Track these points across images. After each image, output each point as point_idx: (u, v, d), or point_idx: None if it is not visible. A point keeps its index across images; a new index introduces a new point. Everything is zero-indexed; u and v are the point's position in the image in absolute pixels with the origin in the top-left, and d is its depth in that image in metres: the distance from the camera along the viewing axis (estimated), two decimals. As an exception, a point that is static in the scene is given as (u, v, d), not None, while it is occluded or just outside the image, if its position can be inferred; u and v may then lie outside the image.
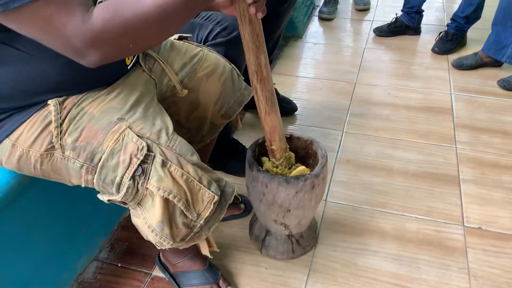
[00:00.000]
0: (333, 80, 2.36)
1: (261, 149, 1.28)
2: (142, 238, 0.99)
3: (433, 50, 2.60)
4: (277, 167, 1.20)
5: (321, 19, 3.10)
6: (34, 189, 1.08)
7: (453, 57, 2.52)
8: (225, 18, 1.36)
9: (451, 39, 2.56)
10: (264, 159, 1.27)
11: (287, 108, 2.04)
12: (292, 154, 1.25)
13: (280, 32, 1.85)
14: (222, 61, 1.26)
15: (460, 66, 2.40)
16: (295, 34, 2.82)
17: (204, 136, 1.31)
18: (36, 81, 0.87)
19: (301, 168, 1.18)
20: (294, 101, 2.08)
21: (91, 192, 1.03)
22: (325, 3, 3.13)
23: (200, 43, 1.42)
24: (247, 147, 1.73)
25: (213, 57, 1.24)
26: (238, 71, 1.30)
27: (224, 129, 1.41)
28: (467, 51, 2.55)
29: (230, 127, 1.70)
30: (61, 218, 1.23)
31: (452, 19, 2.58)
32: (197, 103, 1.22)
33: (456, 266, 1.36)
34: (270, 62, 1.90)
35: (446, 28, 2.65)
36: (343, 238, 1.45)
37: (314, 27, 3.02)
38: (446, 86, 2.28)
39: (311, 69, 2.49)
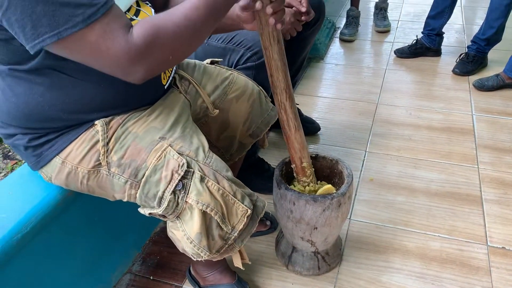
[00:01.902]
0: (355, 100, 2.41)
1: (288, 168, 1.33)
2: (173, 252, 1.05)
3: (454, 71, 2.64)
4: (308, 185, 1.25)
5: (342, 40, 3.17)
6: (77, 204, 1.16)
7: (474, 78, 2.55)
8: (256, 44, 1.44)
9: (472, 61, 2.60)
10: (291, 187, 1.30)
11: (310, 128, 2.09)
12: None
13: (305, 56, 1.92)
14: (251, 83, 1.33)
15: (482, 87, 2.43)
16: (317, 55, 2.90)
17: (233, 154, 1.37)
18: (82, 102, 0.95)
19: (327, 187, 1.23)
20: (317, 121, 2.14)
21: (126, 208, 1.10)
22: (346, 25, 3.20)
23: (231, 66, 1.49)
24: (272, 165, 1.80)
25: (243, 80, 1.31)
26: (265, 93, 1.37)
27: (251, 148, 1.47)
28: (488, 73, 2.58)
29: (256, 146, 1.76)
30: (98, 232, 1.30)
31: (472, 41, 2.62)
32: (227, 123, 1.29)
33: (480, 285, 1.38)
34: (294, 84, 1.97)
35: (466, 49, 2.69)
36: (367, 255, 1.49)
37: (336, 48, 3.09)
38: (467, 107, 2.31)
39: (333, 89, 2.55)
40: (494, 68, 2.64)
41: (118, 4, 0.90)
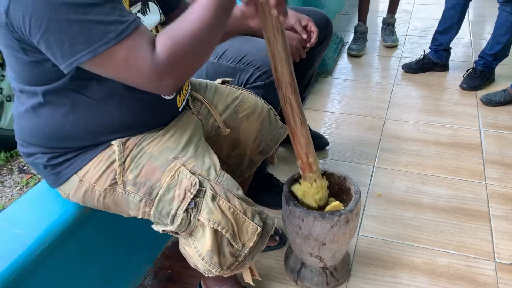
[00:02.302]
0: (363, 115, 2.44)
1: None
2: (184, 266, 1.09)
3: (461, 86, 2.66)
4: (315, 180, 1.25)
5: (350, 55, 3.21)
6: (93, 220, 1.20)
7: (481, 93, 2.57)
8: (264, 64, 1.48)
9: (479, 76, 2.62)
10: (297, 186, 1.31)
11: (318, 143, 2.12)
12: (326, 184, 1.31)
13: (313, 73, 1.96)
14: (260, 102, 1.37)
15: (489, 102, 2.45)
16: (325, 70, 2.94)
17: (243, 171, 1.41)
18: (102, 124, 1.00)
19: (335, 204, 1.26)
20: (325, 136, 2.17)
21: (139, 223, 1.13)
22: (354, 40, 3.24)
23: (241, 85, 1.54)
24: (281, 181, 1.83)
25: (252, 99, 1.35)
26: (274, 111, 1.41)
27: (260, 164, 1.50)
28: (495, 87, 2.61)
29: (265, 162, 1.80)
30: (112, 247, 1.34)
31: (480, 56, 2.64)
32: (237, 141, 1.33)
33: (487, 301, 1.39)
34: (303, 100, 2.01)
35: (474, 64, 2.71)
36: (375, 271, 1.51)
37: (344, 63, 3.13)
38: (475, 122, 2.33)
39: (341, 104, 2.58)
40: (501, 83, 2.66)
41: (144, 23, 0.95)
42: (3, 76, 2.41)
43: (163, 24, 1.13)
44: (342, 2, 4.12)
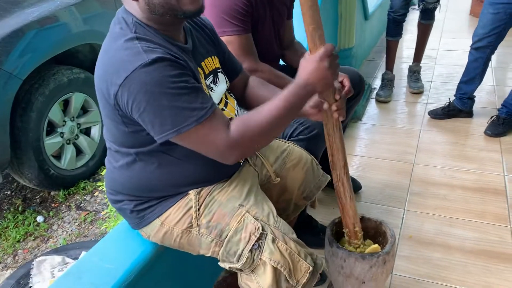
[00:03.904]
0: (393, 160, 2.62)
1: (338, 228, 1.53)
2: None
3: (485, 133, 2.81)
4: (359, 246, 1.45)
5: (378, 101, 3.40)
6: (165, 257, 1.40)
7: (505, 139, 2.72)
8: (307, 120, 1.69)
9: (503, 123, 2.77)
10: (344, 242, 1.50)
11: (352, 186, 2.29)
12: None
13: (346, 123, 2.16)
14: (305, 153, 1.57)
15: None
16: (355, 116, 3.13)
17: (289, 215, 1.60)
18: (182, 178, 1.22)
19: (374, 246, 1.43)
20: (357, 179, 2.34)
21: (198, 260, 1.32)
22: (381, 87, 3.45)
23: (285, 138, 1.75)
24: (319, 222, 2.00)
25: (298, 151, 1.56)
26: (316, 161, 1.61)
27: (302, 207, 1.69)
28: (519, 134, 2.76)
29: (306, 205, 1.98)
30: (176, 281, 1.53)
31: (503, 104, 2.81)
32: (285, 188, 1.53)
33: None
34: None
35: (497, 112, 2.87)
36: (409, 308, 1.65)
37: (372, 109, 3.32)
38: (499, 168, 2.47)
39: (371, 149, 2.77)
40: (524, 130, 2.81)
41: (213, 97, 1.19)
42: (64, 121, 2.69)
43: (228, 90, 1.37)
44: (368, 49, 4.36)
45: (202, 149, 1.09)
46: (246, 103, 1.45)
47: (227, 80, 1.35)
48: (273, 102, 1.11)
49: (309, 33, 1.17)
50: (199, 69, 1.20)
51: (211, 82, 1.26)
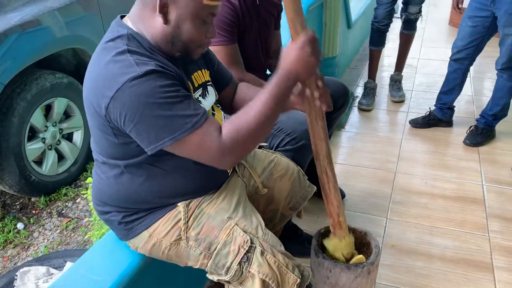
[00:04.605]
0: (375, 168, 2.66)
1: (324, 238, 1.55)
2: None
3: (464, 142, 2.88)
4: (344, 237, 1.45)
5: (360, 109, 3.45)
6: (152, 268, 1.39)
7: (483, 149, 2.79)
8: (294, 131, 1.71)
9: (481, 133, 2.85)
10: (328, 241, 1.49)
11: (335, 195, 2.32)
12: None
13: (330, 134, 2.19)
14: (292, 164, 1.59)
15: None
16: (338, 124, 3.17)
17: (275, 225, 1.61)
18: (170, 190, 1.22)
19: (359, 257, 1.46)
20: (341, 187, 2.37)
21: (184, 271, 1.32)
22: (364, 96, 3.50)
23: (272, 148, 1.76)
24: (304, 230, 2.02)
25: (285, 162, 1.57)
26: (303, 172, 1.63)
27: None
28: (496, 144, 2.83)
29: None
30: (161, 290, 1.53)
31: (481, 115, 2.88)
32: (272, 198, 1.54)
33: None
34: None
35: (476, 122, 2.95)
36: (391, 316, 1.68)
37: (355, 117, 3.37)
38: (477, 177, 2.54)
39: (354, 157, 2.81)
40: (502, 139, 2.89)
41: None
42: (46, 127, 2.65)
43: (217, 103, 1.37)
44: (351, 57, 4.42)
45: (197, 155, 1.09)
46: (236, 109, 1.46)
47: (216, 93, 1.36)
48: (258, 98, 1.10)
49: (291, 20, 1.17)
50: (189, 82, 1.21)
51: (200, 95, 1.27)
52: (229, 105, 1.46)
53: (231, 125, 1.09)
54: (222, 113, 1.37)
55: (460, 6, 2.87)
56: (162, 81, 1.02)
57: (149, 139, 1.05)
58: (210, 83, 1.33)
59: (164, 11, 1.07)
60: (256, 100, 1.11)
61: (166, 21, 1.08)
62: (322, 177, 1.38)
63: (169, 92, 1.03)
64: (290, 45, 1.16)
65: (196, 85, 1.25)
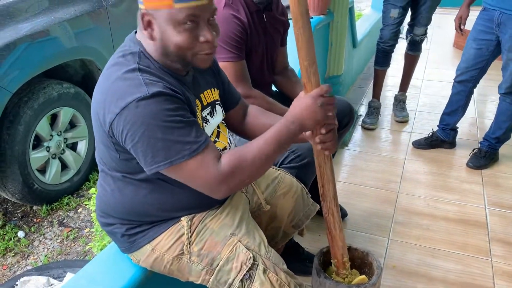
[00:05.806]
0: (378, 188, 2.66)
1: (325, 257, 1.55)
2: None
3: (467, 165, 2.88)
4: (346, 276, 1.46)
5: (364, 128, 3.47)
6: (154, 281, 1.39)
7: (486, 172, 2.79)
8: (299, 148, 1.72)
9: (484, 156, 2.85)
10: (331, 272, 1.51)
11: (337, 213, 2.32)
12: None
13: (335, 151, 2.20)
14: (295, 182, 1.59)
15: None
16: (341, 142, 3.18)
17: (278, 242, 1.61)
18: (174, 204, 1.23)
19: (361, 277, 1.45)
20: (343, 206, 2.37)
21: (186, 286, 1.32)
22: (368, 115, 3.52)
23: (276, 165, 1.77)
24: (305, 248, 2.02)
25: (289, 179, 1.58)
26: (306, 190, 1.63)
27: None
28: (499, 167, 2.83)
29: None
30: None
31: (484, 138, 2.89)
32: (274, 216, 1.54)
33: None
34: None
35: (479, 145, 2.95)
36: (391, 338, 1.66)
37: (358, 135, 3.38)
38: (480, 200, 2.53)
39: (357, 176, 2.81)
40: (505, 162, 2.89)
41: (207, 130, 1.21)
42: (51, 136, 2.67)
43: (223, 121, 1.38)
44: (356, 76, 4.45)
45: (191, 182, 1.11)
46: (246, 131, 1.47)
47: (223, 112, 1.37)
48: (263, 137, 1.13)
49: (304, 68, 1.20)
50: (197, 101, 1.22)
51: (207, 114, 1.28)
52: (236, 126, 1.47)
53: (232, 156, 1.10)
54: (227, 130, 1.38)
55: (462, 27, 2.90)
56: (168, 105, 1.04)
57: (146, 160, 1.06)
58: (219, 102, 1.34)
59: (149, 28, 1.09)
60: (260, 138, 1.14)
61: (151, 37, 1.09)
62: (328, 218, 1.40)
63: (173, 116, 1.04)
64: (302, 96, 1.19)
65: (205, 103, 1.27)
